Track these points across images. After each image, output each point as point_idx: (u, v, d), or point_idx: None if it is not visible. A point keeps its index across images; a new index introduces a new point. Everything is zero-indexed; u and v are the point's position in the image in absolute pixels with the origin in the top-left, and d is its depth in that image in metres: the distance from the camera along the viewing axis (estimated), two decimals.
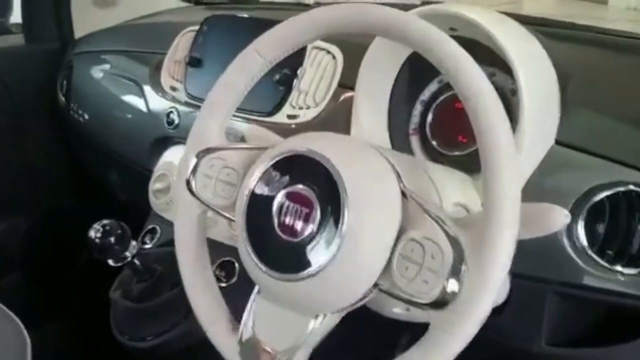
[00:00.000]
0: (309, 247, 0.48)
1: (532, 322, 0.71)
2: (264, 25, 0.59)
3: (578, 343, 0.70)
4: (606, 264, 0.64)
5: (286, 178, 0.50)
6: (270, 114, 0.90)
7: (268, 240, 0.50)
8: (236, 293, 0.57)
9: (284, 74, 0.88)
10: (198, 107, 0.61)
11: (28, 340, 0.90)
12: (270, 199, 0.51)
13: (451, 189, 0.59)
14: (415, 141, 0.79)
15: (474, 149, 0.71)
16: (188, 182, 0.59)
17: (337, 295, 0.49)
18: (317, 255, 0.47)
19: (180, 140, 1.03)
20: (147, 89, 1.12)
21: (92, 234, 0.83)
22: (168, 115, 1.05)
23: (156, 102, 1.10)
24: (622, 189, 0.62)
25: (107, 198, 1.39)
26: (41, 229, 1.44)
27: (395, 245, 0.47)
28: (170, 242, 0.63)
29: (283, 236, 0.49)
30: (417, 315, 0.48)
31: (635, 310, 0.65)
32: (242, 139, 0.80)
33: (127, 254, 0.86)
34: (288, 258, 0.49)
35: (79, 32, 1.47)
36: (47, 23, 1.43)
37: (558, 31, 0.88)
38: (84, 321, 1.28)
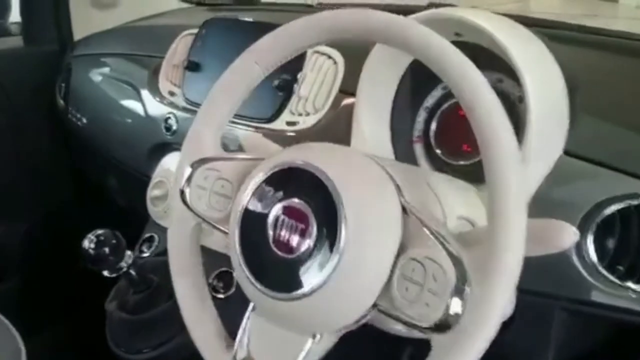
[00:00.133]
0: (304, 265, 0.46)
1: (539, 338, 0.69)
2: (264, 29, 0.57)
3: None
4: (617, 280, 0.62)
5: (280, 193, 0.48)
6: (269, 120, 0.88)
7: (262, 256, 0.48)
8: (234, 304, 0.55)
9: (284, 79, 0.86)
10: (196, 113, 0.60)
11: (23, 348, 0.89)
12: (264, 215, 0.49)
13: (455, 202, 0.57)
14: (419, 149, 0.76)
15: (479, 158, 0.68)
16: (182, 193, 0.57)
17: (334, 315, 0.47)
18: (312, 274, 0.45)
19: (179, 146, 1.00)
20: (145, 93, 1.11)
21: (85, 244, 0.81)
22: (166, 120, 1.04)
23: (154, 108, 1.08)
24: (634, 202, 0.60)
25: (107, 202, 1.38)
26: (39, 231, 1.43)
27: (395, 264, 0.45)
28: None
29: (278, 252, 0.47)
30: (419, 332, 0.46)
31: None
32: (240, 148, 0.78)
33: (123, 264, 0.84)
34: (283, 276, 0.47)
35: (78, 34, 1.46)
36: (46, 25, 1.42)
37: (566, 34, 0.86)
38: (80, 329, 1.27)
